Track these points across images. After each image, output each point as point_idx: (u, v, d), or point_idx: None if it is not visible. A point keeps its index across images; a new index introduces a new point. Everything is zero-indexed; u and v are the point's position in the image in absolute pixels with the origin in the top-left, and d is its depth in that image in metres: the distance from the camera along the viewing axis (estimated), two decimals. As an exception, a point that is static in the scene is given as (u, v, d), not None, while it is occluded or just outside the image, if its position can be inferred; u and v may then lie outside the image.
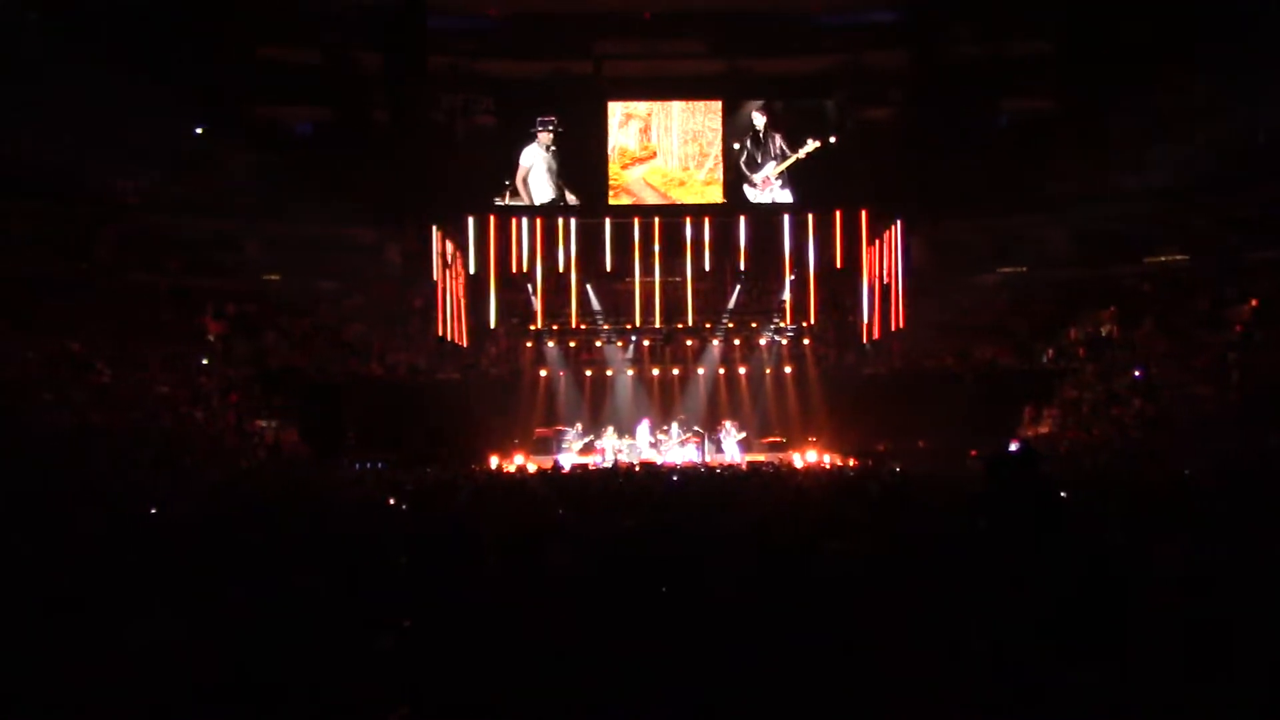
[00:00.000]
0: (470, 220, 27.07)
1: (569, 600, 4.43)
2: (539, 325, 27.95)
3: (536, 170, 27.28)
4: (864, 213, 26.91)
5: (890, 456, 22.13)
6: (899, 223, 25.74)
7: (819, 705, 3.54)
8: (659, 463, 22.57)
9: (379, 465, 21.40)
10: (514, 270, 27.36)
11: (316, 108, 29.48)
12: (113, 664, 3.64)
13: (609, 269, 27.89)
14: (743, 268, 28.02)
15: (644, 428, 25.68)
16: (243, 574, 4.95)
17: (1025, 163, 27.08)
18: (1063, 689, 3.46)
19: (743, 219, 27.56)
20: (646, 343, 28.41)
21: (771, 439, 25.97)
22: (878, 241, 26.56)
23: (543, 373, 27.93)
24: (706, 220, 27.61)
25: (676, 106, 27.67)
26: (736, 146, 27.41)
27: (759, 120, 27.31)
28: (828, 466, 21.38)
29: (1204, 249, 26.98)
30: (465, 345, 27.22)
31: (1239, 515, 7.13)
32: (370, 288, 29.15)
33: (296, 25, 27.84)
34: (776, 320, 28.34)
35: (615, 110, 27.71)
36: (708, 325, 28.35)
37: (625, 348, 28.36)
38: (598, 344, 28.55)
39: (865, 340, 27.39)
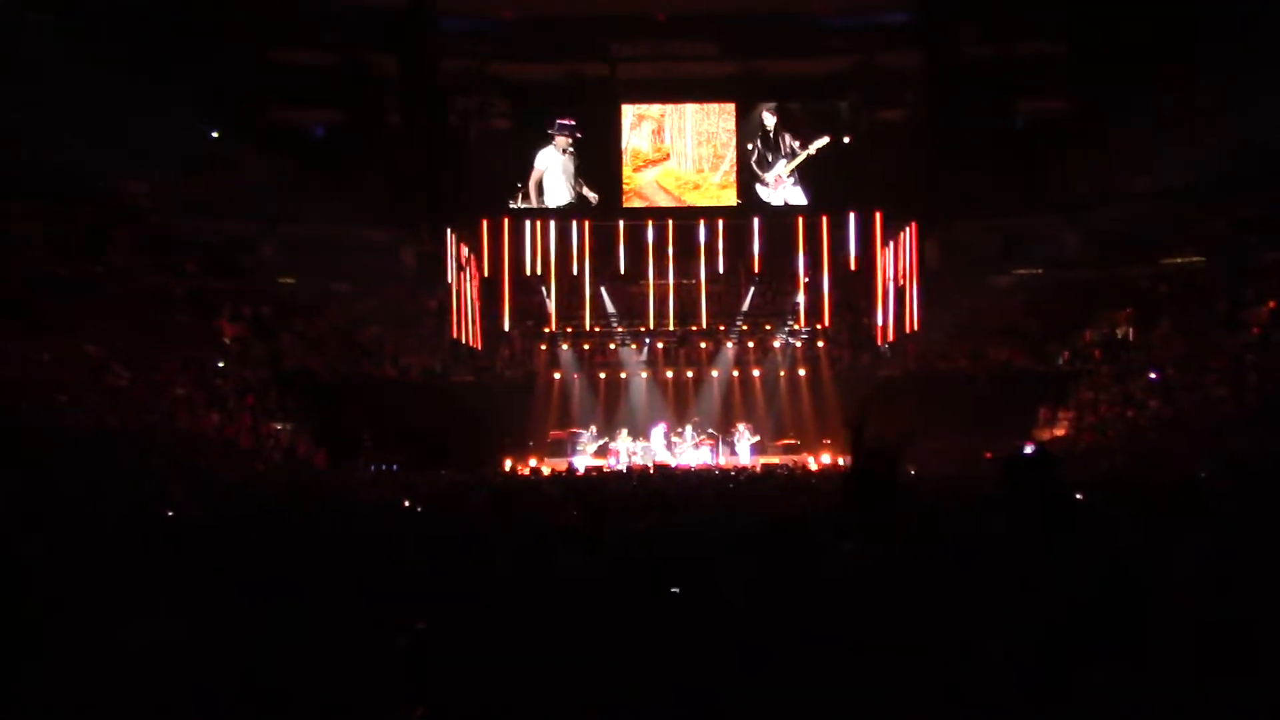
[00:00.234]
0: (485, 223, 27.15)
1: (582, 601, 4.44)
2: (553, 328, 28.04)
3: (552, 173, 27.35)
4: (878, 214, 26.91)
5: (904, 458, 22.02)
6: (913, 224, 25.70)
7: (831, 706, 3.54)
8: (673, 465, 22.57)
9: (393, 467, 21.44)
10: (528, 273, 27.44)
11: (331, 110, 29.59)
12: (126, 666, 3.67)
13: (623, 271, 27.93)
14: (757, 270, 28.02)
15: (658, 430, 25.65)
16: (257, 576, 4.98)
17: (1039, 164, 27.06)
18: (1077, 691, 3.45)
19: (757, 221, 27.55)
20: (661, 345, 28.39)
21: (786, 441, 25.91)
22: (892, 243, 26.54)
23: (557, 375, 27.93)
24: (720, 222, 27.61)
25: (690, 109, 27.73)
26: (749, 147, 27.43)
27: (769, 120, 27.31)
28: (842, 469, 21.33)
29: (1220, 250, 26.86)
30: (480, 348, 27.31)
31: (1255, 517, 7.09)
32: (385, 290, 29.19)
33: (311, 28, 28.02)
34: (791, 322, 28.32)
35: (628, 112, 27.78)
36: (722, 327, 28.36)
37: (639, 350, 28.36)
38: (612, 347, 28.56)
39: (880, 342, 27.36)
